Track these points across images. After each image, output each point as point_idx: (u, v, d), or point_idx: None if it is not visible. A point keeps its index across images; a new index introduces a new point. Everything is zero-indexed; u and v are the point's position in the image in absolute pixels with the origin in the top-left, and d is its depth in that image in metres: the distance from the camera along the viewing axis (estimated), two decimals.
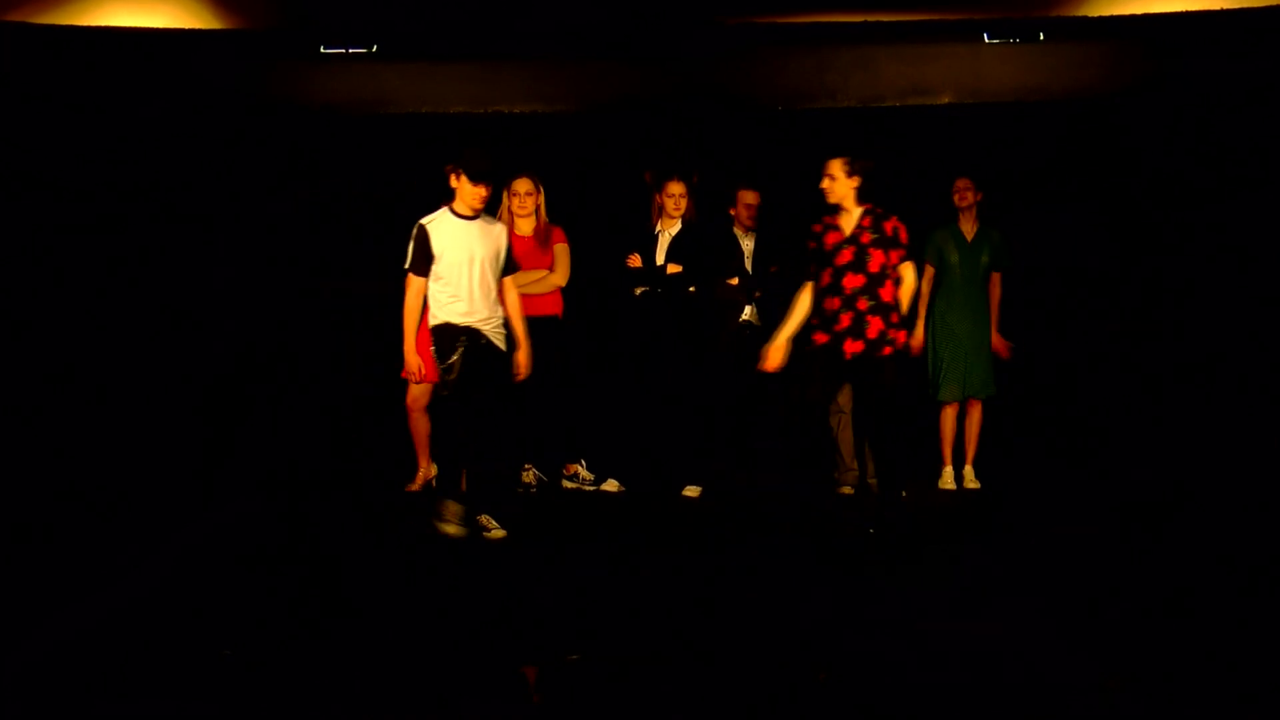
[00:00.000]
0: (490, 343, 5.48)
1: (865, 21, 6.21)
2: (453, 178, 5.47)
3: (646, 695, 3.55)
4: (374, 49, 6.72)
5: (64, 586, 4.70)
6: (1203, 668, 3.69)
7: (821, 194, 5.47)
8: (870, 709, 3.42)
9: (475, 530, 5.40)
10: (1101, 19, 6.12)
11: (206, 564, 5.19)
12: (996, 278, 6.72)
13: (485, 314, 5.47)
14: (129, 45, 6.26)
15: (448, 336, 5.44)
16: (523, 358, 5.54)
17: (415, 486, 6.56)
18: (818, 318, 5.46)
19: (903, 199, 6.86)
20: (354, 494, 6.55)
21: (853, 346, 5.38)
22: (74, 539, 5.46)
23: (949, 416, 6.76)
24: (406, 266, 5.44)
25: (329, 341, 7.36)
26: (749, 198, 6.59)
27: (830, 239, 5.47)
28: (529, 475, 6.56)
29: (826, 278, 5.44)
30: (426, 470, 6.61)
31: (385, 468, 6.91)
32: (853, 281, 5.39)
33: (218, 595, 4.68)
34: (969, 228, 6.71)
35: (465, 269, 5.41)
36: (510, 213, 6.47)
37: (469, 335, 5.44)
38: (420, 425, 6.56)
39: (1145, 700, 3.44)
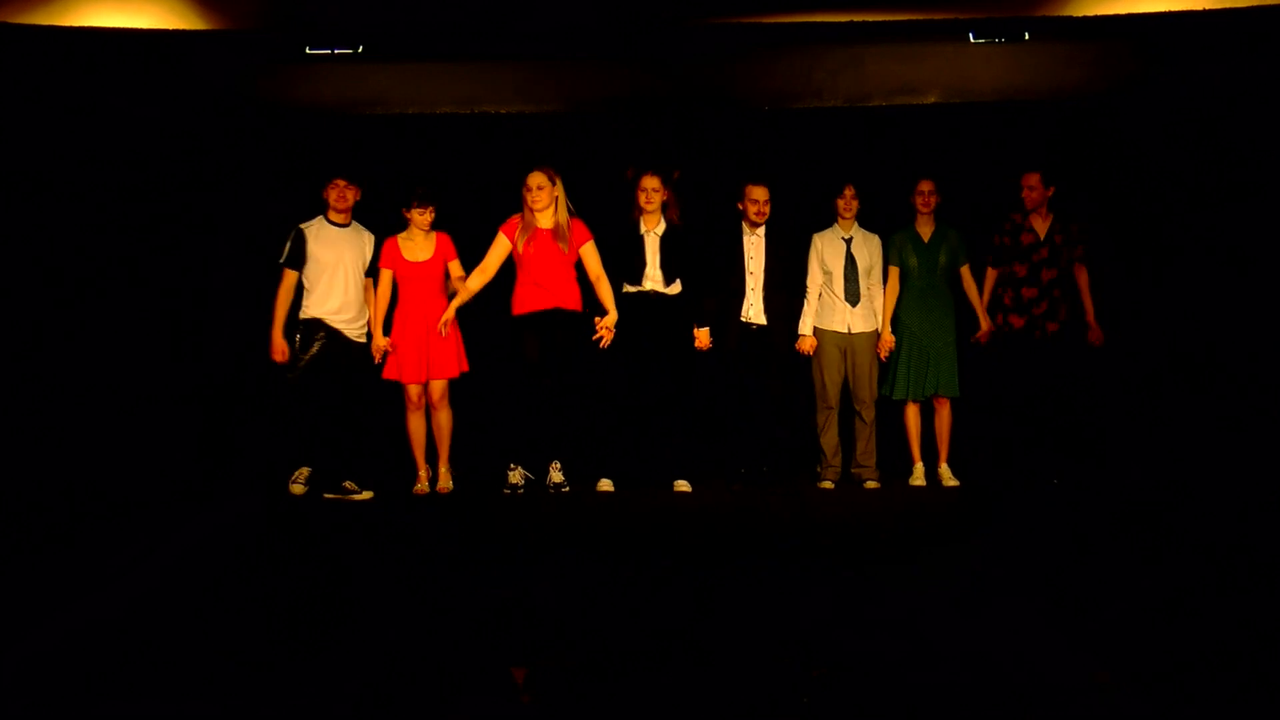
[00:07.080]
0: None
1: (852, 21, 6.19)
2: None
3: (646, 695, 3.55)
4: (359, 49, 6.67)
5: (64, 586, 4.71)
6: (1202, 667, 3.70)
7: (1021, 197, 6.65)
8: (870, 709, 3.42)
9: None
10: (1089, 19, 6.12)
11: (206, 564, 5.19)
12: (966, 272, 6.73)
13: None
14: (111, 45, 6.23)
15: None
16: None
17: (421, 489, 6.53)
18: (1012, 302, 6.64)
19: (893, 197, 6.90)
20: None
21: (1052, 326, 6.63)
22: (74, 539, 5.46)
23: (911, 415, 6.77)
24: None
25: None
26: (756, 193, 6.56)
27: (1025, 239, 6.64)
28: (515, 475, 6.49)
29: (1022, 270, 6.61)
30: (426, 471, 6.59)
31: (385, 468, 6.89)
32: (1047, 275, 6.58)
33: (218, 595, 4.68)
34: (926, 229, 6.73)
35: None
36: (527, 208, 6.38)
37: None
38: (417, 427, 6.54)
39: (1145, 700, 3.45)
